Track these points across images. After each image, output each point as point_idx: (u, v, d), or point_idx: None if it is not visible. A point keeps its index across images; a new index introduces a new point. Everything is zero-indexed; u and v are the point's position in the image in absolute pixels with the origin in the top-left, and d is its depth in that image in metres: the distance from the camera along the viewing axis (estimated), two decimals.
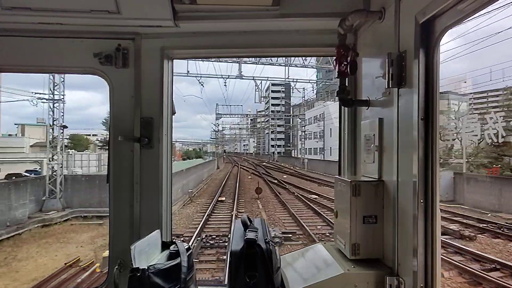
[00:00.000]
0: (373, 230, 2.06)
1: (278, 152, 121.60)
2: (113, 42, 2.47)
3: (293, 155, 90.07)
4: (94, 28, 2.43)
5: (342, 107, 2.60)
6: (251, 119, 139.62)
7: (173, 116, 2.67)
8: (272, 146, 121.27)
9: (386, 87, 1.91)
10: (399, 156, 1.89)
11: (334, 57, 2.31)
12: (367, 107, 2.32)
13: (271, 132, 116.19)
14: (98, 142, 66.30)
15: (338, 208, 2.30)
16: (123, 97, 2.49)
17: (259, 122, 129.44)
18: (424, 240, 1.72)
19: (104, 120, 66.42)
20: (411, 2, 1.79)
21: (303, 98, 62.71)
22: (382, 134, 2.10)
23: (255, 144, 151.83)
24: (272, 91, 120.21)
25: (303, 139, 66.35)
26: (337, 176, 2.42)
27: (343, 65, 2.25)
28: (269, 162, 78.29)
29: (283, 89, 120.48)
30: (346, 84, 2.33)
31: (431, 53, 1.71)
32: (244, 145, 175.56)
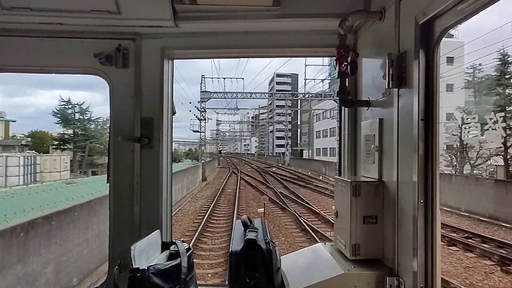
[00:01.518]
0: (373, 231, 2.07)
1: (281, 153, 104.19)
2: (113, 42, 2.47)
3: (304, 156, 78.05)
4: (95, 28, 2.43)
5: (342, 107, 2.60)
6: (252, 117, 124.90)
7: (173, 116, 2.67)
8: (278, 146, 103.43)
9: (386, 87, 1.92)
10: (399, 156, 1.89)
11: (335, 58, 2.31)
12: (367, 108, 2.32)
13: (276, 130, 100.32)
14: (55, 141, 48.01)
15: (339, 208, 2.30)
16: (123, 97, 2.50)
17: (262, 119, 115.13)
18: (424, 241, 1.72)
19: (55, 111, 45.55)
20: (411, 3, 1.79)
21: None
22: (382, 134, 2.10)
23: (257, 144, 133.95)
24: (277, 83, 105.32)
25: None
26: (337, 177, 2.42)
27: (343, 65, 2.25)
28: (281, 167, 54.23)
29: (290, 81, 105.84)
30: (346, 85, 2.33)
31: (431, 53, 1.71)
32: (245, 144, 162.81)
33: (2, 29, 2.41)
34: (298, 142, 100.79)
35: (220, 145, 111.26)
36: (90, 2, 2.17)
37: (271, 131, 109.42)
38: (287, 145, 68.77)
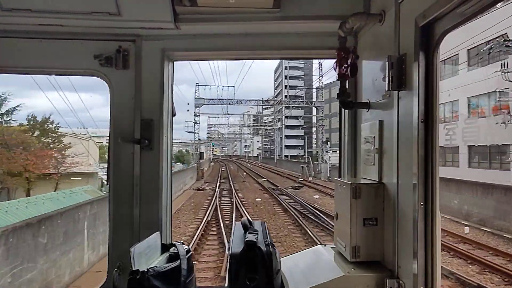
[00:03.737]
0: (373, 233, 2.06)
1: (291, 156, 79.39)
2: (113, 43, 2.47)
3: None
4: (95, 30, 2.43)
5: (343, 109, 2.60)
6: (254, 115, 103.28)
7: (173, 117, 2.67)
8: (288, 146, 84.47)
9: (386, 89, 1.92)
10: (399, 158, 1.89)
11: (335, 60, 2.31)
12: (367, 110, 2.32)
13: (286, 127, 79.41)
14: None
15: (339, 210, 2.30)
16: (123, 98, 2.50)
17: (266, 115, 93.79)
18: (424, 243, 1.71)
19: None
20: (411, 5, 1.79)
21: None
22: (382, 136, 2.10)
23: (261, 145, 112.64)
24: (286, 68, 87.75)
25: None
26: (337, 179, 2.42)
27: (343, 67, 2.26)
28: (321, 188, 28.83)
29: (302, 65, 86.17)
30: (347, 87, 2.33)
31: (431, 56, 1.71)
32: (245, 146, 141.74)
33: (2, 31, 2.41)
34: (317, 142, 72.78)
35: (213, 145, 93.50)
36: (90, 3, 2.18)
37: (278, 128, 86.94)
38: (327, 143, 38.74)
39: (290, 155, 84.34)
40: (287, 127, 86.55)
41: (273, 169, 56.29)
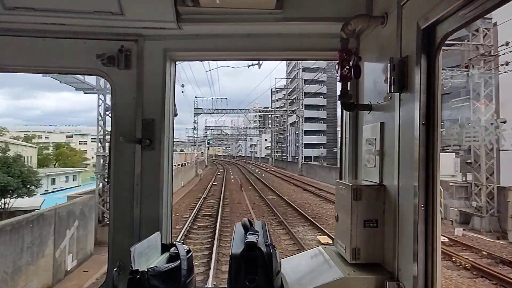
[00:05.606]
0: (373, 235, 2.06)
1: (314, 158, 63.19)
2: (116, 43, 2.48)
3: None
4: (97, 29, 2.44)
5: (344, 111, 2.60)
6: (261, 110, 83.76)
7: (174, 117, 2.69)
8: (309, 145, 64.75)
9: (388, 91, 1.91)
10: (400, 160, 1.89)
11: (336, 61, 2.30)
12: (368, 111, 2.32)
13: (305, 120, 55.79)
14: None
15: (339, 212, 2.29)
16: (125, 98, 2.50)
17: (277, 108, 73.51)
18: (424, 245, 1.71)
19: None
20: (413, 8, 1.79)
21: None
22: (384, 138, 2.10)
23: (270, 144, 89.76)
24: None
25: None
26: (338, 180, 2.41)
27: (345, 69, 2.25)
28: None
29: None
30: (348, 88, 2.33)
31: (432, 58, 1.71)
32: (250, 145, 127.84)
33: (5, 29, 2.41)
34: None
35: (209, 142, 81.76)
36: (93, 3, 2.18)
37: (291, 124, 68.63)
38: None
39: (313, 156, 65.82)
40: (306, 119, 62.62)
41: (305, 184, 32.60)
